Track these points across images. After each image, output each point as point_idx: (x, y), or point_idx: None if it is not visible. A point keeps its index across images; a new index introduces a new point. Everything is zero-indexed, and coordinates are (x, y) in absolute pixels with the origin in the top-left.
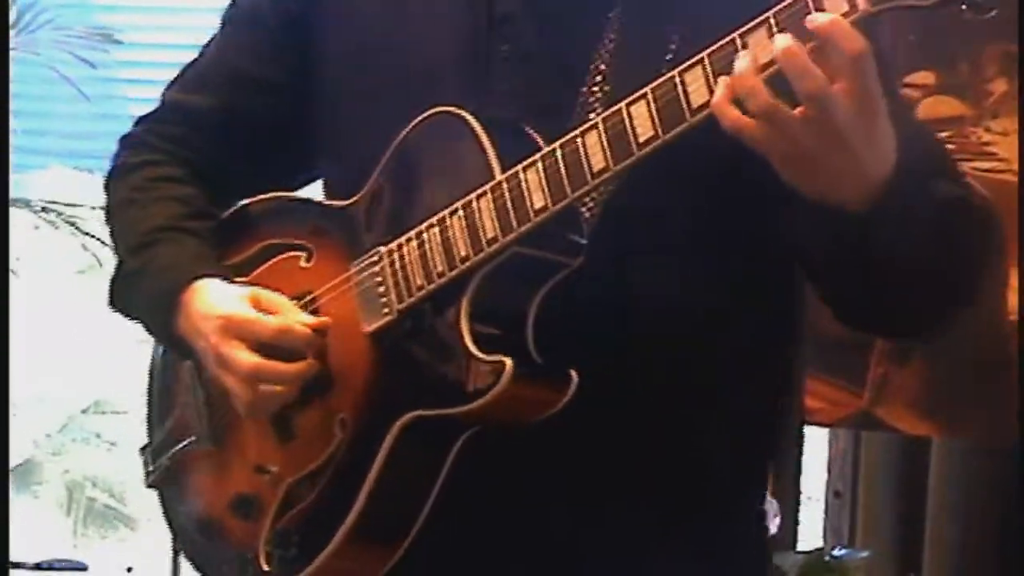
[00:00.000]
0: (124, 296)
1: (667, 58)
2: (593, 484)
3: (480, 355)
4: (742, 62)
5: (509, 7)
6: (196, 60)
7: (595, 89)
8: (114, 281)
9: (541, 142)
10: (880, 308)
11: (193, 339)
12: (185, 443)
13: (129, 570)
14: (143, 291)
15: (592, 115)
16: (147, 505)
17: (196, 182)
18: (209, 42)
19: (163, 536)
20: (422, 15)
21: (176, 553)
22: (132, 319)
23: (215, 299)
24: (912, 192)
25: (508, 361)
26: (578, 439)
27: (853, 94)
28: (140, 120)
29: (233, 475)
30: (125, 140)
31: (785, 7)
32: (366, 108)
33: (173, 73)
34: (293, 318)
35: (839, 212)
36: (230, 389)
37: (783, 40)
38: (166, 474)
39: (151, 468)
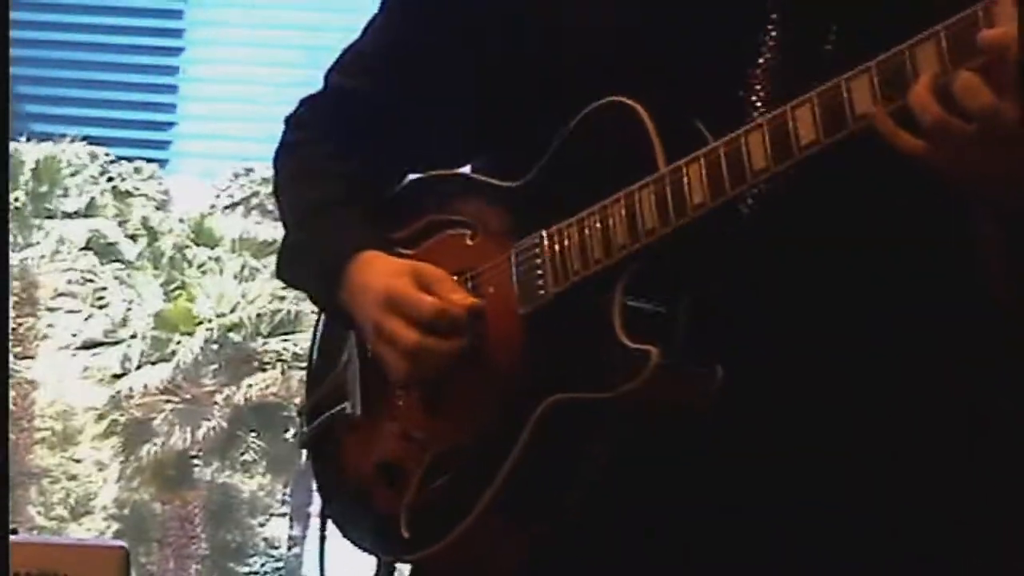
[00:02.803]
0: (291, 267)
1: (826, 47)
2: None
3: (628, 343)
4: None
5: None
6: (358, 43)
7: (757, 87)
8: (282, 253)
9: (711, 138)
10: None
11: (354, 310)
12: (338, 408)
13: None
14: (309, 263)
15: (754, 112)
16: None
17: (357, 160)
18: (371, 23)
19: None
20: (599, 5)
21: (323, 517)
22: (298, 288)
23: (377, 273)
24: None
25: (654, 350)
26: (743, 439)
27: (1020, 107)
28: (304, 101)
29: (381, 443)
30: (291, 120)
31: (956, 21)
32: (541, 93)
33: None
34: (451, 297)
35: (1006, 211)
36: (387, 360)
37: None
38: (318, 436)
39: (304, 431)
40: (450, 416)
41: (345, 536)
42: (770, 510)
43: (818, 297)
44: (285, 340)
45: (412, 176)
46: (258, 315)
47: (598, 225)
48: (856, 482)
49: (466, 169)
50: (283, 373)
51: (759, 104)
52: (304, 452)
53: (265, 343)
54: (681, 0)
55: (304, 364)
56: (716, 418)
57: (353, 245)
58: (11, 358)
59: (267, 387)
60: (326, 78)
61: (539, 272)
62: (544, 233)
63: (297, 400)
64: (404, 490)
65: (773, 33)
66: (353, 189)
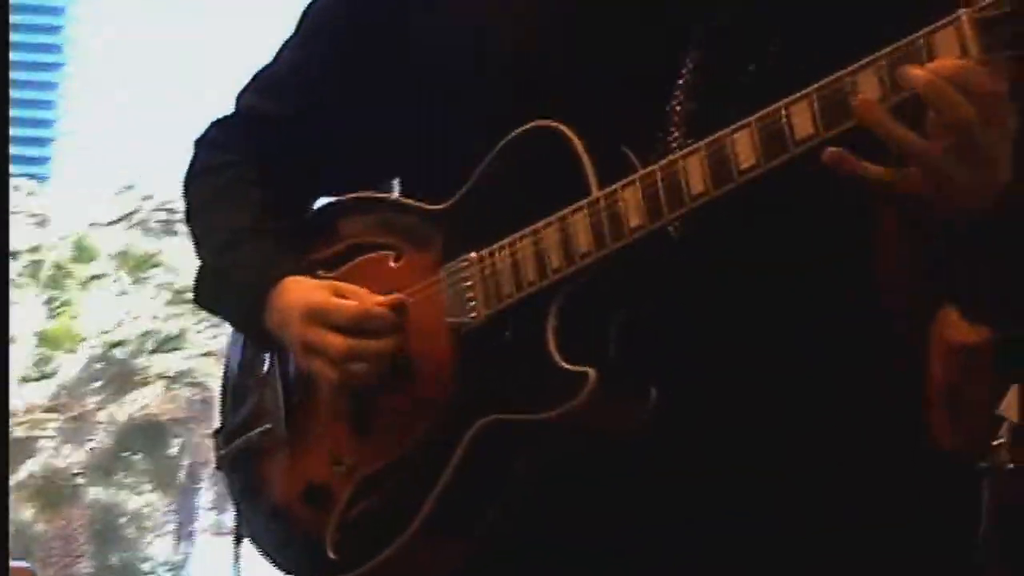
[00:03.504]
0: (210, 293)
1: (747, 72)
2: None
3: (565, 365)
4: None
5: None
6: (271, 65)
7: (678, 107)
8: (200, 279)
9: (638, 164)
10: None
11: (281, 332)
12: (259, 429)
13: None
14: (229, 291)
15: (671, 138)
16: None
17: (274, 185)
18: (284, 47)
19: None
20: (511, 21)
21: (238, 537)
22: (214, 312)
23: (299, 292)
24: None
25: (592, 372)
26: (674, 458)
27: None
28: (217, 124)
29: (306, 465)
30: (202, 142)
31: (896, 49)
32: (461, 116)
33: None
34: (373, 300)
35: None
36: (318, 373)
37: (920, 72)
38: (237, 459)
39: (222, 452)
40: (378, 438)
41: (266, 557)
42: (699, 527)
43: (747, 318)
44: (169, 357)
45: (332, 198)
46: (143, 332)
47: (531, 248)
48: (787, 500)
49: (388, 192)
50: (167, 390)
51: (677, 132)
52: (215, 469)
53: (149, 360)
54: (602, 25)
55: (189, 381)
56: (647, 437)
57: (273, 272)
58: None
59: (151, 404)
60: (239, 100)
61: (469, 295)
62: (474, 255)
63: (182, 417)
64: (330, 512)
65: (692, 59)
66: (271, 215)
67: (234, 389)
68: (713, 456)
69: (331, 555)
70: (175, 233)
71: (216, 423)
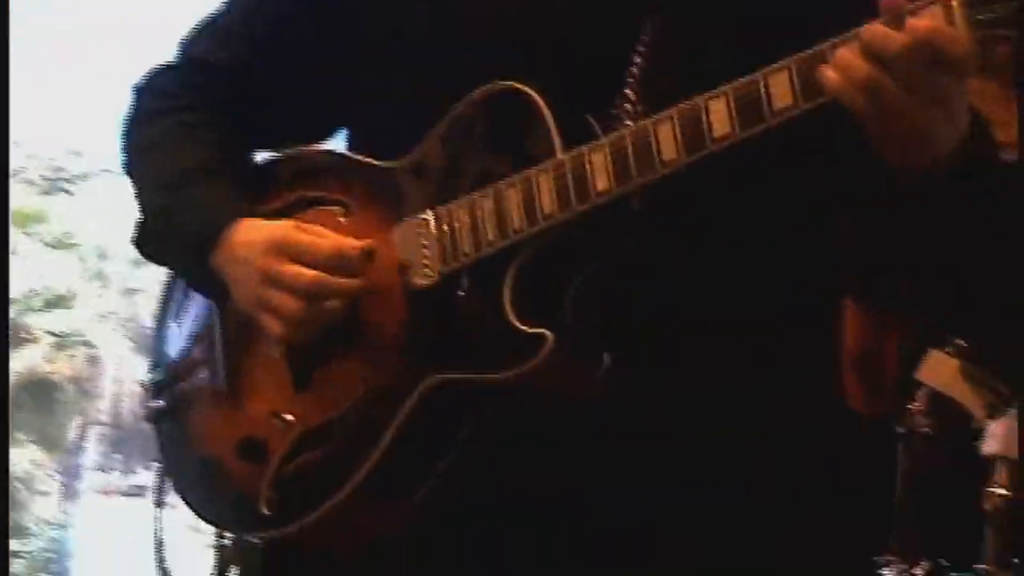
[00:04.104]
0: (155, 233)
1: (708, 45)
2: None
3: (521, 326)
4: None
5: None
6: (217, 14)
7: (635, 73)
8: (143, 220)
9: (599, 130)
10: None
11: (231, 268)
12: (193, 381)
13: None
14: (181, 227)
15: (628, 106)
16: None
17: (223, 131)
18: None
19: None
20: None
21: (160, 486)
22: (156, 256)
23: (261, 230)
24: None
25: (549, 334)
26: (626, 425)
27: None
28: (158, 71)
29: (243, 417)
30: (143, 89)
31: (806, 56)
32: (413, 72)
33: None
34: (345, 238)
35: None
36: (277, 306)
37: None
38: (167, 410)
39: (152, 403)
40: (320, 393)
41: (192, 510)
42: (648, 491)
43: (702, 284)
44: (57, 315)
45: (279, 150)
46: (29, 290)
47: (491, 207)
48: (730, 466)
49: (333, 145)
50: (56, 349)
51: (635, 98)
52: (145, 420)
53: (37, 318)
54: None
55: (77, 340)
56: (600, 402)
57: (231, 210)
58: None
59: (38, 363)
60: (185, 48)
61: (425, 252)
62: (431, 213)
63: (69, 376)
64: (266, 466)
65: (652, 27)
66: (221, 158)
67: (166, 339)
68: (664, 422)
69: (263, 510)
70: (63, 191)
71: (107, 383)
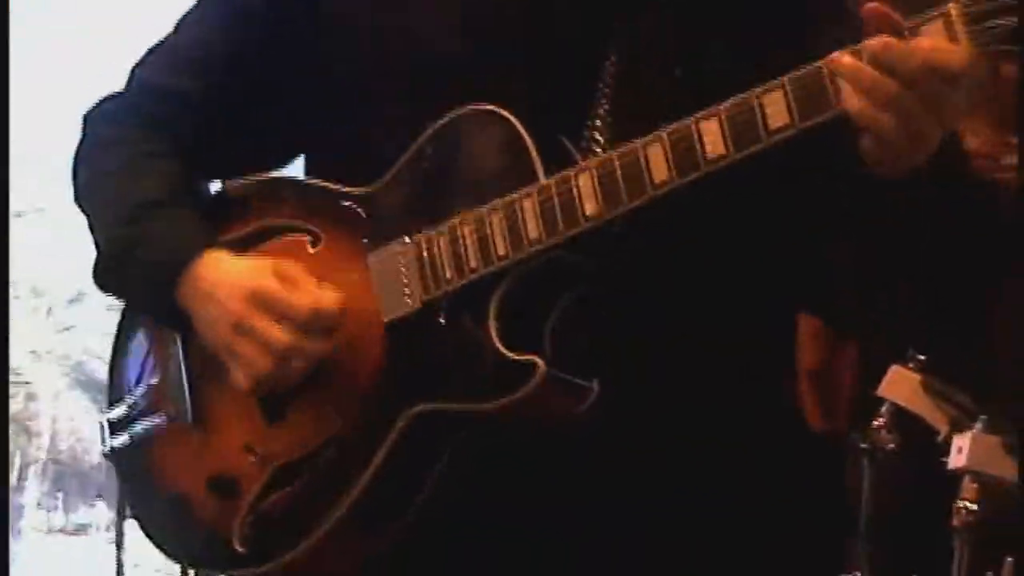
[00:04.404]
0: (115, 267)
1: (674, 71)
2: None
3: (509, 354)
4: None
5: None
6: (172, 40)
7: (603, 101)
8: (101, 253)
9: (575, 153)
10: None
11: (200, 305)
12: (156, 416)
13: None
14: (142, 261)
15: (597, 132)
16: None
17: (179, 160)
18: (184, 21)
19: None
20: (433, 4)
21: (121, 524)
22: (116, 289)
23: (237, 269)
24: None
25: (540, 362)
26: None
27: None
28: (110, 98)
29: (212, 452)
30: (94, 118)
31: (801, 75)
32: (376, 97)
33: None
34: (323, 295)
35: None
36: (244, 357)
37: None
38: (128, 447)
39: (112, 441)
40: (294, 428)
41: (160, 549)
42: (634, 507)
43: (687, 302)
44: None
45: (239, 178)
46: None
47: (473, 234)
48: (723, 480)
49: (293, 173)
50: None
51: (601, 129)
52: (103, 456)
53: None
54: (525, 11)
55: (14, 380)
56: (585, 425)
57: (197, 242)
58: None
59: None
60: (137, 75)
61: (404, 280)
62: (408, 240)
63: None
64: (238, 502)
65: (617, 52)
66: (181, 188)
67: (124, 374)
68: (649, 438)
69: (238, 548)
70: None
71: (45, 420)
